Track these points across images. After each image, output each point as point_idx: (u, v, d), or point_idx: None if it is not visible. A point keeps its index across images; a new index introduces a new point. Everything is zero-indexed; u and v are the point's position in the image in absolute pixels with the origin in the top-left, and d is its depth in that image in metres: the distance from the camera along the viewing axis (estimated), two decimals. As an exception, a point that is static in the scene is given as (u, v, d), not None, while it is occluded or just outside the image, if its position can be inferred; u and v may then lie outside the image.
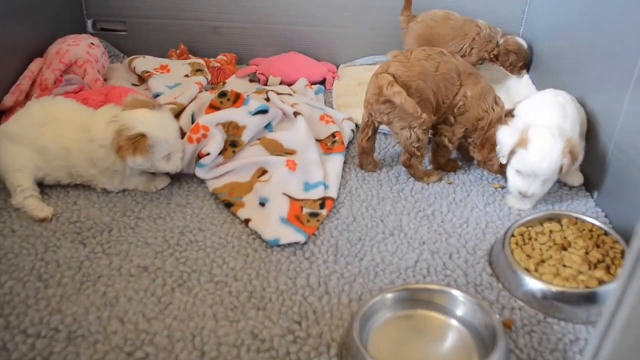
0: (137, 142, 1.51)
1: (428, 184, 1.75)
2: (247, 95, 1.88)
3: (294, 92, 2.22)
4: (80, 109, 1.67)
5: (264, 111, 1.85)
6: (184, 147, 1.68)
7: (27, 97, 1.97)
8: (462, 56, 2.23)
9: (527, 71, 2.29)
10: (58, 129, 1.59)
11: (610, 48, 1.63)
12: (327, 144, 1.86)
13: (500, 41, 2.24)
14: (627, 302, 0.58)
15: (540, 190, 1.58)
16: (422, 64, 1.66)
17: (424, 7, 2.32)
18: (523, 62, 2.25)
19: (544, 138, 1.52)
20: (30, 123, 1.61)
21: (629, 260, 0.58)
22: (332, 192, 1.66)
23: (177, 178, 1.73)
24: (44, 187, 1.64)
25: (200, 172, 1.70)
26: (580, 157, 1.57)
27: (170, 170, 1.64)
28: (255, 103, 1.85)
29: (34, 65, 2.05)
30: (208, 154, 1.69)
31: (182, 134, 1.74)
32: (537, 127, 1.54)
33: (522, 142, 1.54)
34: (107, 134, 1.52)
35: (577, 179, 1.72)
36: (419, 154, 1.71)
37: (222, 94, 1.85)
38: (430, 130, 1.75)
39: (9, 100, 1.93)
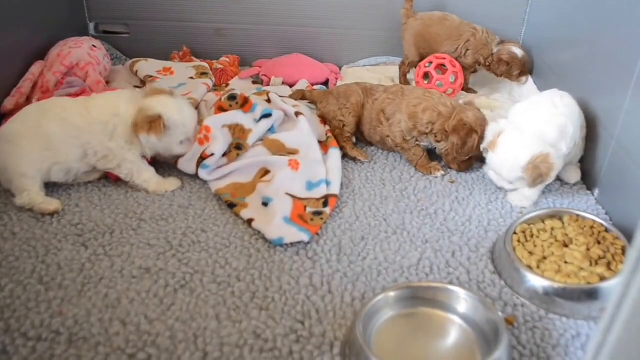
0: (154, 122, 1.61)
1: (354, 158, 1.88)
2: (255, 102, 1.87)
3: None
4: (74, 99, 1.73)
5: (268, 115, 1.84)
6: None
7: (28, 100, 1.98)
8: (457, 57, 2.23)
9: (530, 76, 2.25)
10: (62, 112, 1.62)
11: (612, 47, 1.63)
12: (326, 144, 1.87)
13: (495, 50, 2.20)
14: (630, 296, 0.57)
15: (508, 187, 1.65)
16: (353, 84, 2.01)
17: (426, 9, 2.33)
18: (519, 70, 2.20)
19: (509, 147, 1.59)
20: (28, 118, 1.63)
21: (633, 254, 0.58)
22: (335, 189, 1.66)
23: (180, 179, 1.74)
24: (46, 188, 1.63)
25: (203, 174, 1.70)
26: (553, 174, 1.55)
27: (182, 152, 1.72)
28: (261, 109, 1.84)
29: (35, 68, 2.05)
30: (212, 154, 1.69)
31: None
32: (509, 133, 1.60)
33: (492, 145, 1.61)
34: (130, 112, 1.64)
35: (574, 176, 1.73)
36: (344, 126, 1.92)
37: (232, 97, 1.84)
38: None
39: (9, 103, 1.93)
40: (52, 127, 1.60)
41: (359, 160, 1.86)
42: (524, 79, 2.23)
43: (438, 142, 1.78)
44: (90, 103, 1.66)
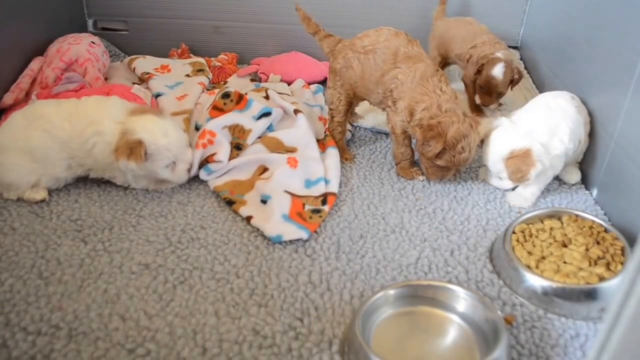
0: (134, 147, 1.51)
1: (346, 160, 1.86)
2: (250, 98, 1.87)
3: (291, 92, 2.22)
4: (61, 102, 1.65)
5: (267, 114, 1.84)
6: (192, 159, 1.67)
7: (27, 95, 1.97)
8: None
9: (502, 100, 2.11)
10: (45, 124, 1.56)
11: (612, 47, 1.64)
12: (323, 142, 1.87)
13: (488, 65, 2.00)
14: (635, 295, 0.58)
15: (500, 184, 1.68)
16: (355, 40, 1.78)
17: (425, 8, 2.32)
18: (481, 85, 2.02)
19: (495, 139, 1.62)
20: (14, 129, 1.59)
21: (638, 252, 0.58)
22: (333, 187, 1.66)
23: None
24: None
25: (203, 175, 1.70)
26: (532, 172, 1.54)
27: (175, 180, 1.65)
28: (258, 106, 1.84)
29: (35, 64, 2.05)
30: (220, 161, 1.69)
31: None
32: (502, 128, 1.63)
33: (484, 137, 1.66)
34: (114, 134, 1.54)
35: (574, 177, 1.73)
36: (333, 117, 1.87)
37: (226, 95, 1.84)
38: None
39: (8, 98, 1.92)
40: (35, 140, 1.56)
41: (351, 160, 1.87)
42: (487, 99, 2.04)
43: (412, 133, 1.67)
44: (77, 110, 1.59)
